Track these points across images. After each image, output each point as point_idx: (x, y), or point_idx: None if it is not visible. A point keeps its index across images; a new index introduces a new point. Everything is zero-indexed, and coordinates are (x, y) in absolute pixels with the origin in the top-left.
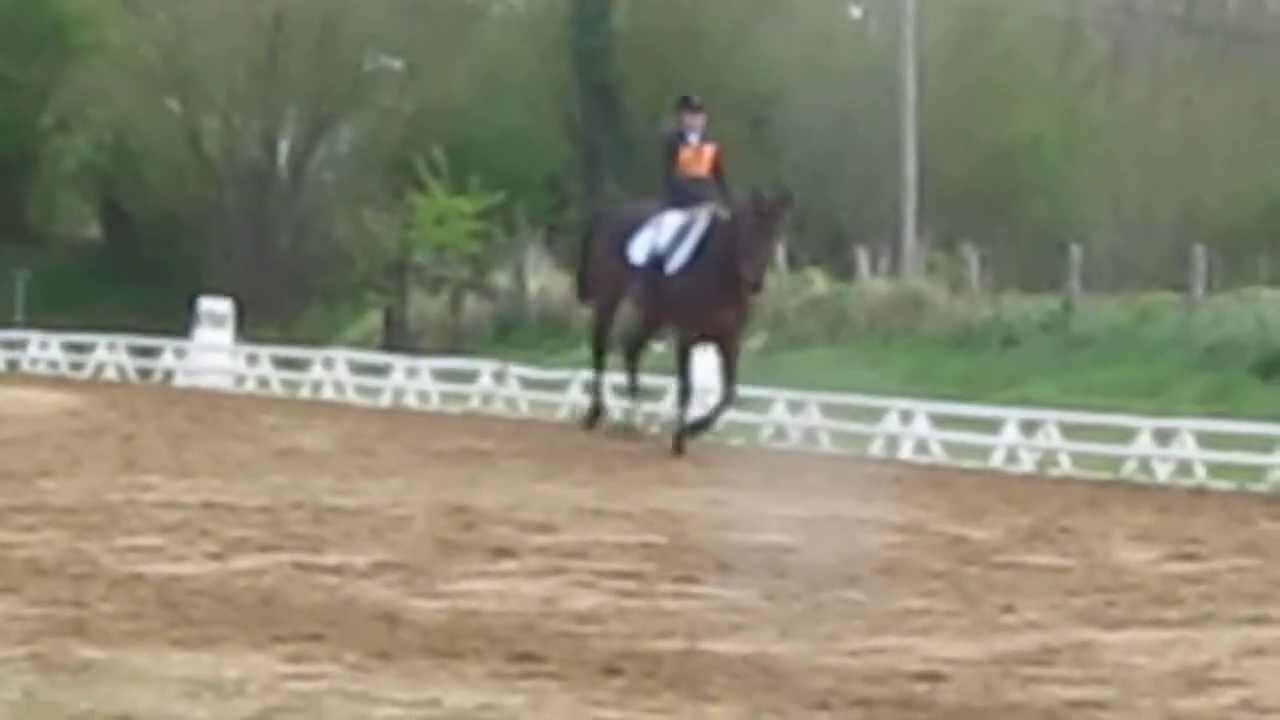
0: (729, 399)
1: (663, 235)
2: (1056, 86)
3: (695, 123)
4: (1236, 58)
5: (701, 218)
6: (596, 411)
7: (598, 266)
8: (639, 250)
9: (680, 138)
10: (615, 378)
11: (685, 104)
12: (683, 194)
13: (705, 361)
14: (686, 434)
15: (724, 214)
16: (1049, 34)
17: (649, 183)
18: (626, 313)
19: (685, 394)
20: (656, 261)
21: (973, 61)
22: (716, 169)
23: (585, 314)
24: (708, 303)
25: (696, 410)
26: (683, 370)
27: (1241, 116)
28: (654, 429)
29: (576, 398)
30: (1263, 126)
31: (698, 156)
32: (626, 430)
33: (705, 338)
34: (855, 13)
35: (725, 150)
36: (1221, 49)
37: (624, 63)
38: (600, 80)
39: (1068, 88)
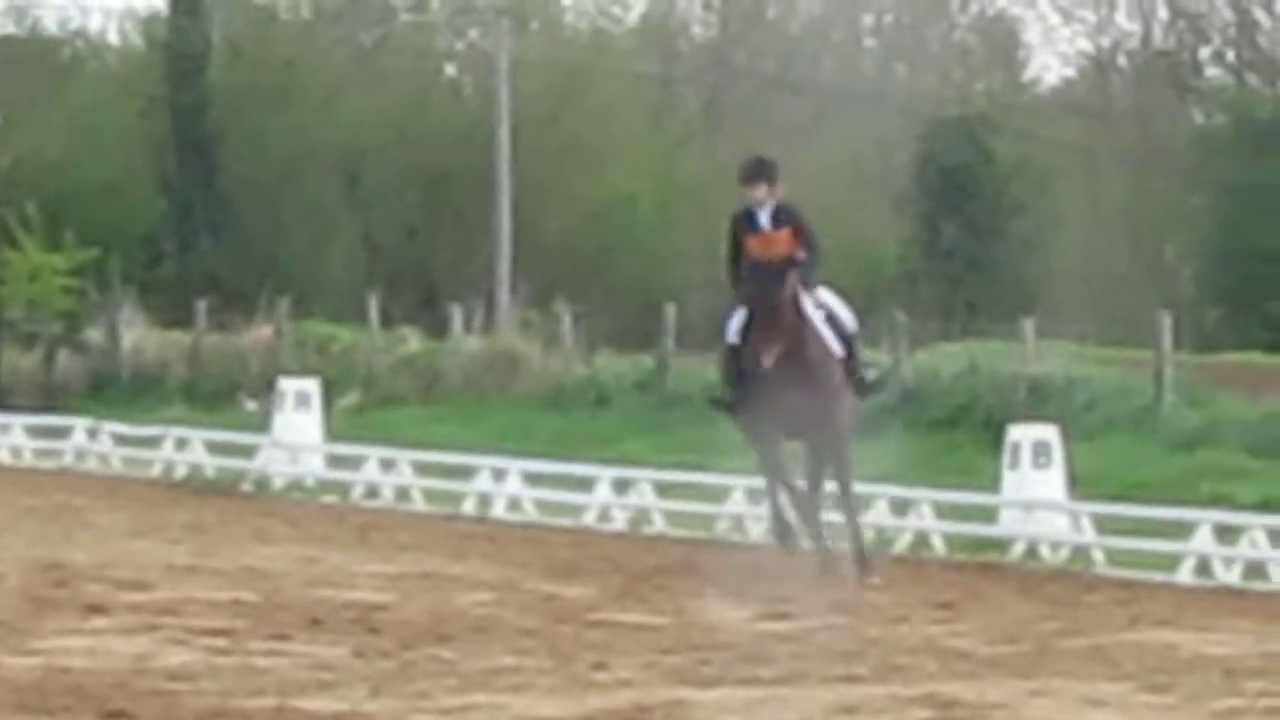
0: (848, 508)
1: (730, 333)
2: (651, 145)
3: (757, 195)
4: (831, 117)
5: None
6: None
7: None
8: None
9: (748, 221)
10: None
11: (741, 175)
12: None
13: (300, 420)
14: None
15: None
16: (643, 92)
17: (242, 239)
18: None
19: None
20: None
21: (567, 120)
22: (807, 241)
23: (179, 371)
24: (775, 394)
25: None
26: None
27: (836, 175)
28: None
29: (169, 454)
30: (857, 185)
31: (767, 245)
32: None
33: (794, 434)
34: (449, 70)
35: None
36: (816, 108)
37: (219, 119)
38: (195, 136)
39: (662, 146)
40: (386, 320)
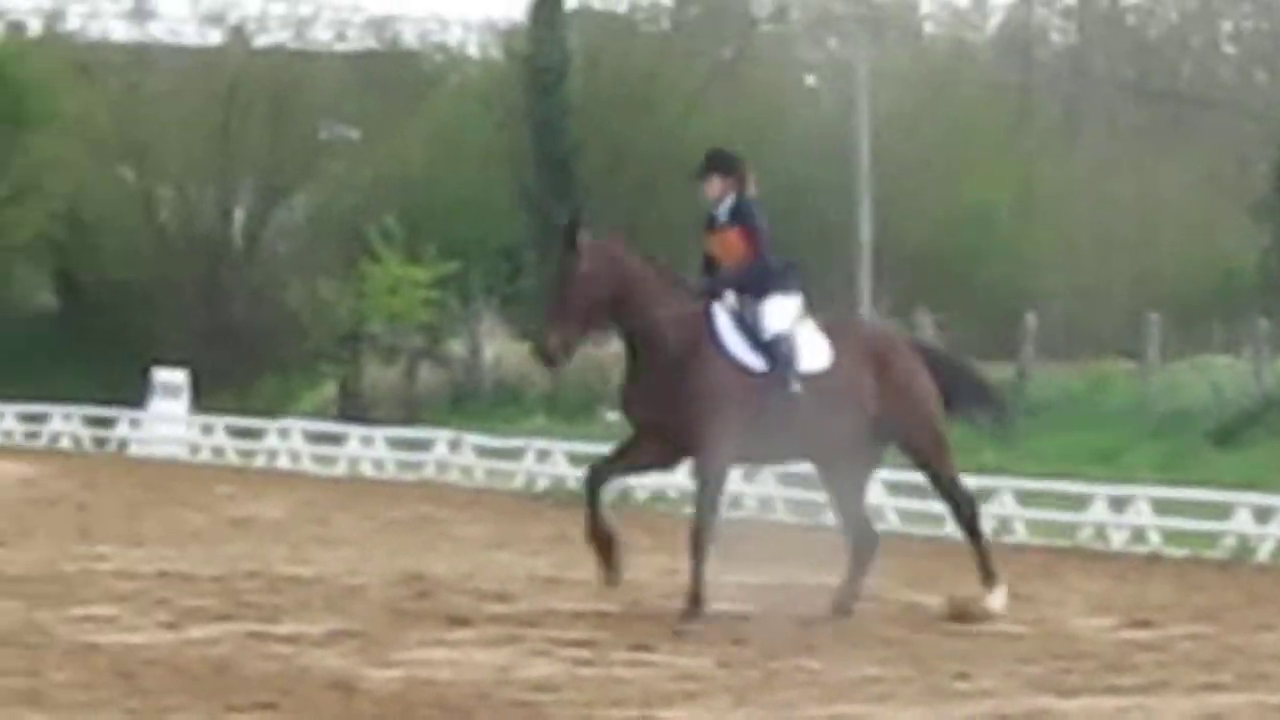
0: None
1: None
2: (1010, 153)
3: (709, 190)
4: (1189, 124)
5: None
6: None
7: None
8: None
9: (709, 221)
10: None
11: (696, 170)
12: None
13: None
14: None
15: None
16: (1002, 100)
17: None
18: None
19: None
20: None
21: (926, 128)
22: (756, 247)
23: (540, 382)
24: (633, 408)
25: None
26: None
27: (1194, 183)
28: None
29: (531, 466)
30: (1215, 193)
31: (722, 246)
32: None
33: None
34: (809, 80)
35: (751, 230)
36: (1174, 115)
37: (579, 132)
38: (555, 149)
39: (1021, 154)
40: None
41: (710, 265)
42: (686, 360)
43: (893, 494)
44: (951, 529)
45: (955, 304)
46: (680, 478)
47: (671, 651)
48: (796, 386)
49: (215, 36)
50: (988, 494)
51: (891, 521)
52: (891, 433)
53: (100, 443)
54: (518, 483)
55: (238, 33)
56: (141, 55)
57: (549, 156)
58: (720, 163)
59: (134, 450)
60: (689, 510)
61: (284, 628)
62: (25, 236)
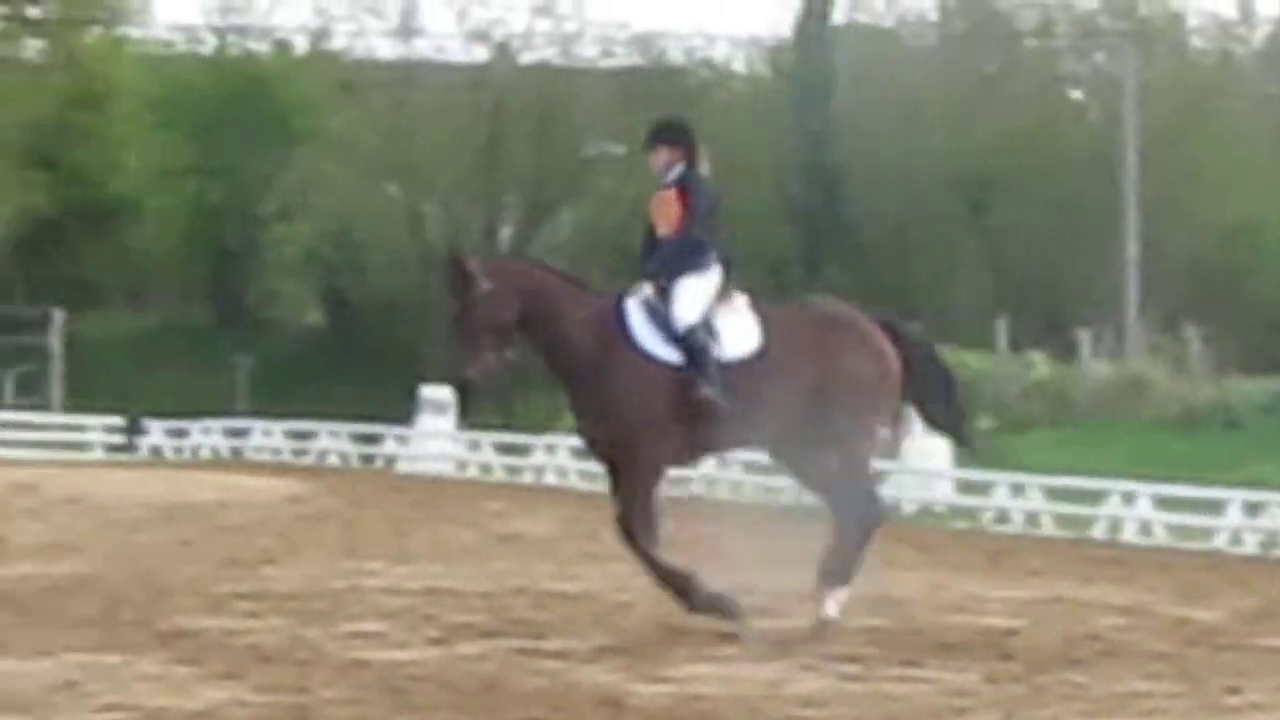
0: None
1: None
2: (1278, 166)
3: (655, 162)
4: None
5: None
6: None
7: None
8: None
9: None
10: None
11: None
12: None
13: (930, 446)
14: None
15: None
16: (1269, 113)
17: (869, 266)
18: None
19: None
20: None
21: (1193, 142)
22: (689, 215)
23: None
24: (575, 410)
25: None
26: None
27: None
28: None
29: None
30: None
31: (658, 210)
32: None
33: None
34: (1075, 94)
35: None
36: None
37: (846, 146)
38: (822, 164)
39: None
40: (1014, 345)
41: (650, 232)
42: (601, 365)
43: (1160, 508)
44: (1221, 543)
45: (1223, 317)
46: (946, 492)
47: (939, 667)
48: (707, 390)
49: (481, 53)
50: (1256, 508)
51: (1160, 536)
52: (817, 414)
53: (367, 459)
54: (787, 498)
55: (503, 50)
56: (407, 73)
57: (816, 172)
58: (666, 133)
59: (401, 467)
60: (958, 525)
61: (552, 644)
62: (293, 253)
